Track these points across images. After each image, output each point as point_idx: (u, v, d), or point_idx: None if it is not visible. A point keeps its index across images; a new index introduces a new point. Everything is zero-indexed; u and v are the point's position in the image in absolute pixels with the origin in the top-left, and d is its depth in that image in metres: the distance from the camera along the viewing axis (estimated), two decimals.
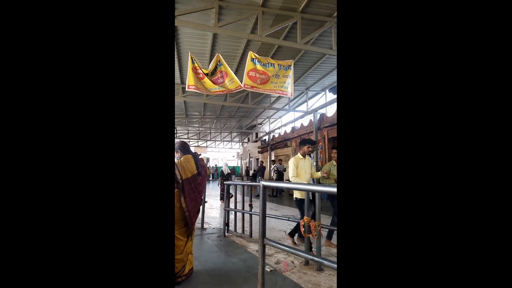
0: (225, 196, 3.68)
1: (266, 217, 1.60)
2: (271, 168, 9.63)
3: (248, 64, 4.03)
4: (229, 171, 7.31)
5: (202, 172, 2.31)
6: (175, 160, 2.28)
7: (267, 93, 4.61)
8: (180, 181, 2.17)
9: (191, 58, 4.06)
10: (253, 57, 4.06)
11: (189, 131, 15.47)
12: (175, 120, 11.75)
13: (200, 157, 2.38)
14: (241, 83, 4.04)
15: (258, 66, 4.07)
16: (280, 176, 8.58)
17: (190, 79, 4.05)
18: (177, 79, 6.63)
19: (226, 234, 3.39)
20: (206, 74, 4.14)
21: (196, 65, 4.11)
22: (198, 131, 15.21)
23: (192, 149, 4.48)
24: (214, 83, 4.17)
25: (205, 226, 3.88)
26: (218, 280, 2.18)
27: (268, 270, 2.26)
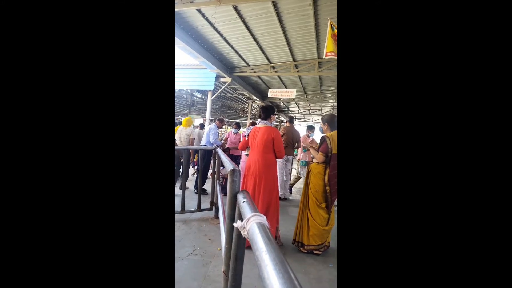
0: None
1: None
2: None
3: None
4: None
5: None
6: (324, 135, 2.24)
7: None
8: (330, 155, 2.09)
9: (331, 25, 3.88)
10: None
11: (322, 107, 15.26)
12: (309, 96, 11.95)
13: None
14: None
15: None
16: None
17: (329, 46, 3.90)
18: (314, 54, 6.54)
19: None
20: None
21: (335, 31, 3.90)
22: (332, 107, 14.67)
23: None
24: None
25: None
26: None
27: None
